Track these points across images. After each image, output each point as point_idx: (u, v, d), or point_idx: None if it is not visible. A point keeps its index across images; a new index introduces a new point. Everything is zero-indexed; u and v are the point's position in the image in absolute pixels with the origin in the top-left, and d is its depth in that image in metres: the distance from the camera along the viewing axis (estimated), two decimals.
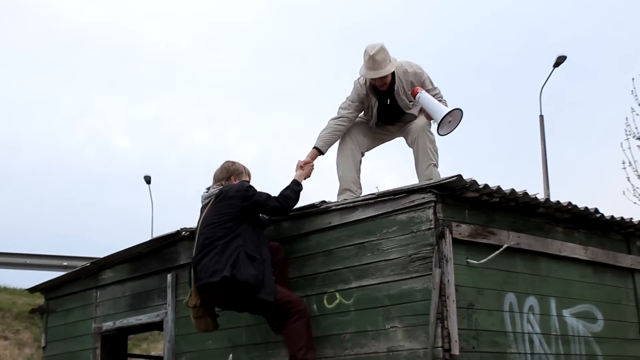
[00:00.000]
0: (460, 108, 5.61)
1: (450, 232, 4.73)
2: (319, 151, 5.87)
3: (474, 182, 4.81)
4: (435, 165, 5.89)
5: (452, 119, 5.62)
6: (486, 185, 4.88)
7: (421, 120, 5.99)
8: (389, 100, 5.98)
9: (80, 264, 9.33)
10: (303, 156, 5.77)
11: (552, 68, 20.96)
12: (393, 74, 5.85)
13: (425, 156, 5.89)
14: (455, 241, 4.76)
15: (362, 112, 6.14)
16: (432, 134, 5.96)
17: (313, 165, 5.77)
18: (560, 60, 20.76)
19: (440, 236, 4.70)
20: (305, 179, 5.63)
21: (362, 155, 6.16)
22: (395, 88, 5.90)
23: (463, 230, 4.82)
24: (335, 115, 6.02)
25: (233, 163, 5.55)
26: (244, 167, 5.58)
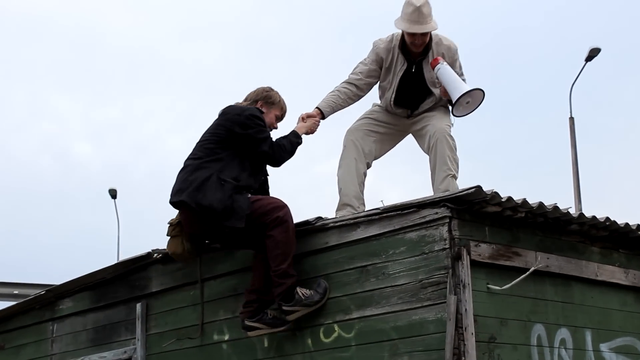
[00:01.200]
0: (482, 89, 5.69)
1: (468, 253, 4.72)
2: (320, 113, 6.00)
3: (495, 195, 4.81)
4: (455, 177, 5.90)
5: (471, 100, 5.71)
6: (510, 198, 4.88)
7: (440, 121, 6.01)
8: (414, 68, 6.05)
9: (33, 292, 9.30)
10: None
11: (584, 62, 21.09)
12: (430, 38, 5.97)
13: (443, 165, 5.90)
14: (474, 263, 4.75)
15: (378, 91, 6.22)
16: (453, 139, 5.99)
17: (318, 120, 5.92)
18: (593, 54, 20.90)
19: (457, 258, 4.70)
20: (307, 134, 5.81)
21: (369, 166, 6.17)
22: (427, 55, 6.01)
23: (483, 251, 4.82)
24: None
25: (270, 90, 5.75)
26: (281, 101, 5.75)
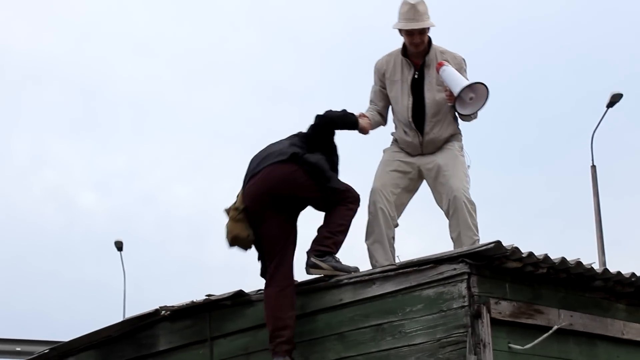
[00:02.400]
0: (484, 83, 5.80)
1: (488, 311, 4.70)
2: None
3: (516, 250, 4.79)
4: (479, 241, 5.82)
5: (475, 96, 5.77)
6: (531, 254, 4.87)
7: (457, 179, 5.94)
8: (417, 75, 6.10)
9: (37, 349, 9.27)
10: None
11: (606, 108, 21.11)
12: (429, 43, 6.08)
13: (468, 231, 5.82)
14: (495, 322, 4.72)
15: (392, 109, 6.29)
16: (472, 203, 5.90)
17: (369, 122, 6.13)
18: (615, 99, 20.91)
19: (476, 316, 4.68)
20: (361, 130, 6.08)
21: (396, 226, 6.12)
22: (427, 60, 6.07)
23: (504, 309, 4.79)
24: None
25: None
26: None
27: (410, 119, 6.11)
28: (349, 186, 5.73)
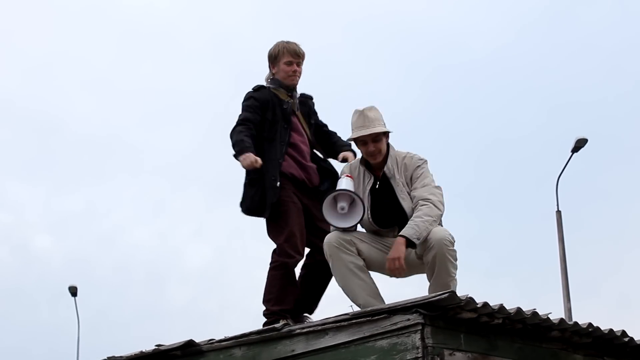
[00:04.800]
0: (359, 197, 5.78)
1: None
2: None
3: (470, 300, 4.80)
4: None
5: (348, 213, 5.78)
6: (486, 304, 4.88)
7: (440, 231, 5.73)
8: (378, 185, 5.97)
9: None
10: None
11: (571, 153, 21.36)
12: (387, 154, 5.94)
13: (447, 277, 5.67)
14: None
15: None
16: (454, 251, 5.71)
17: (256, 162, 6.12)
18: (580, 144, 21.18)
19: None
20: (243, 164, 6.14)
21: None
22: (387, 169, 5.93)
23: None
24: None
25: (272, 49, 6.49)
26: (280, 47, 6.43)
27: (373, 225, 5.98)
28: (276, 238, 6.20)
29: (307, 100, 6.61)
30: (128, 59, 47.10)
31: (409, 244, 5.62)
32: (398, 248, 5.63)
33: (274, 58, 6.44)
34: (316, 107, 6.66)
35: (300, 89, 6.56)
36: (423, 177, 5.89)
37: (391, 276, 5.79)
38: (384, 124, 5.93)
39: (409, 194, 5.87)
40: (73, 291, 27.97)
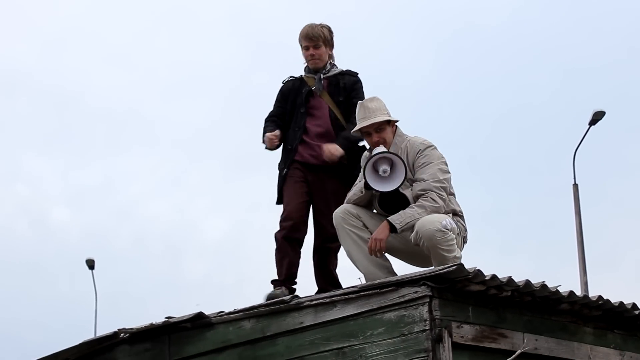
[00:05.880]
0: (399, 156, 5.76)
1: (450, 335, 4.71)
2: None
3: (478, 273, 4.81)
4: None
5: (390, 174, 5.74)
6: (494, 277, 4.88)
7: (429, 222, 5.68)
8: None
9: None
10: None
11: (588, 126, 21.27)
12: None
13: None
14: (456, 346, 4.73)
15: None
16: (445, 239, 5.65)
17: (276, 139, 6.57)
18: (597, 117, 21.08)
19: (438, 340, 4.69)
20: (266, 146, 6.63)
21: None
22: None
23: (466, 333, 4.80)
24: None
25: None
26: (300, 35, 6.68)
27: (381, 211, 6.03)
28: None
29: (339, 77, 6.66)
30: (143, 32, 47.22)
31: (393, 229, 5.71)
32: (381, 230, 5.75)
33: (299, 43, 6.65)
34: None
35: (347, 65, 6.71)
36: (425, 167, 5.86)
37: (370, 254, 5.81)
38: (388, 113, 5.98)
39: (410, 181, 5.87)
40: (90, 264, 28.18)
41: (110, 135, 46.62)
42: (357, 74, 6.70)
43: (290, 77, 6.75)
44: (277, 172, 6.66)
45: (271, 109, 6.76)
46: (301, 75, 6.71)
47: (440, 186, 5.81)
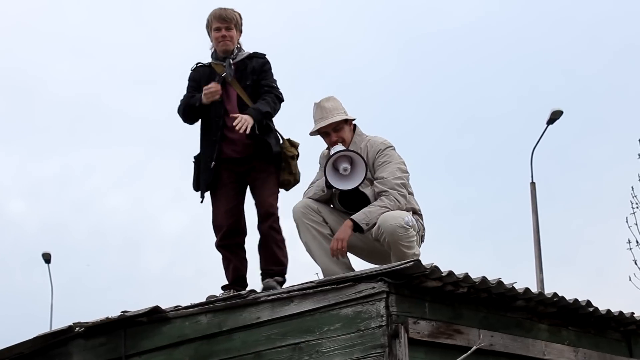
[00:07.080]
0: (359, 154, 5.77)
1: (406, 331, 4.72)
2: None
3: (435, 269, 4.82)
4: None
5: (350, 173, 5.77)
6: (451, 273, 4.90)
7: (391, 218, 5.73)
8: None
9: None
10: None
11: (546, 125, 21.41)
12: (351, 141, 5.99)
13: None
14: (413, 342, 4.74)
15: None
16: (406, 236, 5.72)
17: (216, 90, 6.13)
18: (555, 116, 21.22)
19: (394, 335, 4.70)
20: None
21: None
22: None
23: (422, 328, 4.81)
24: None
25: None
26: (208, 18, 6.42)
27: (341, 207, 6.04)
28: None
29: (247, 61, 6.39)
30: (103, 22, 46.70)
31: (357, 228, 5.71)
32: (344, 230, 5.76)
33: (207, 27, 6.37)
34: (269, 66, 6.39)
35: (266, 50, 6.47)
36: (385, 166, 5.91)
37: (332, 255, 5.81)
38: (345, 112, 5.99)
39: (370, 180, 5.90)
40: (46, 258, 27.88)
41: (68, 126, 46.17)
42: (265, 55, 6.45)
43: (198, 63, 6.48)
44: (197, 163, 6.41)
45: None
46: (209, 63, 6.44)
47: (402, 183, 5.85)
